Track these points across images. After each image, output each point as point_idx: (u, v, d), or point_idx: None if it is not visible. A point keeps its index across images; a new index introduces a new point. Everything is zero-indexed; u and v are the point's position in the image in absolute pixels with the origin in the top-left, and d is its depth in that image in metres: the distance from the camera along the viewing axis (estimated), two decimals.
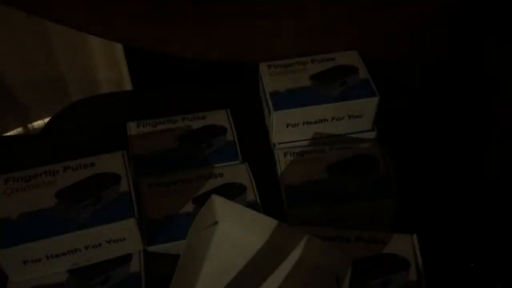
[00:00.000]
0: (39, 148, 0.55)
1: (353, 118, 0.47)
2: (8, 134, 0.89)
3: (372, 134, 0.48)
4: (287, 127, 0.46)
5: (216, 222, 0.35)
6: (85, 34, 0.82)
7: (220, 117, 0.48)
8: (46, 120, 0.90)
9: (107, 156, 0.40)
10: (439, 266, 0.41)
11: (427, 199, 0.49)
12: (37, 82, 0.85)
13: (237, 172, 0.43)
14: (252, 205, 0.41)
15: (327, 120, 0.46)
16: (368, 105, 0.46)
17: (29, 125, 0.90)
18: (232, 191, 0.42)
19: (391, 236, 0.39)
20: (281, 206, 0.43)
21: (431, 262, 0.38)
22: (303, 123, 0.46)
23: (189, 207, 0.41)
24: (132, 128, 0.47)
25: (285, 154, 0.45)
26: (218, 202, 0.34)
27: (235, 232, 0.33)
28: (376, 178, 0.43)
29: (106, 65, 0.83)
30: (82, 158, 0.40)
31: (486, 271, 0.44)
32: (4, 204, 0.37)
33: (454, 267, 0.44)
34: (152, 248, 0.39)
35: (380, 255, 0.38)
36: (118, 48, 0.81)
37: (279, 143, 0.47)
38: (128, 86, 0.81)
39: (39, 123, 0.90)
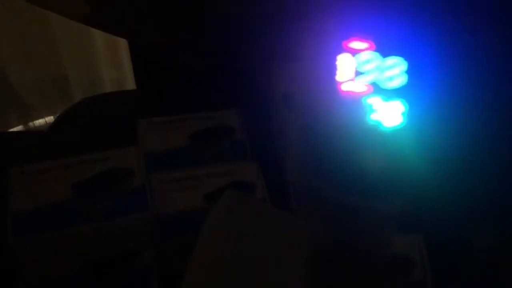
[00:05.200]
0: (47, 146, 0.55)
1: None
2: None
3: None
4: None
5: (229, 217, 0.35)
6: (89, 33, 0.82)
7: (230, 117, 0.48)
8: (48, 119, 0.91)
9: (121, 151, 0.40)
10: (443, 266, 0.42)
11: (427, 199, 0.49)
12: (40, 81, 0.86)
13: (247, 170, 0.44)
14: None
15: None
16: None
17: (30, 123, 0.90)
18: (241, 189, 0.42)
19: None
20: (289, 205, 0.43)
21: (435, 262, 0.38)
22: None
23: (200, 203, 0.41)
24: (143, 126, 0.47)
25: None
26: (232, 197, 0.34)
27: (249, 227, 0.34)
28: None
29: (109, 65, 0.83)
30: (96, 153, 0.40)
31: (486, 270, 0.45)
32: (20, 195, 0.37)
33: (456, 267, 0.45)
34: (164, 244, 0.39)
35: (380, 255, 0.38)
36: (122, 47, 0.81)
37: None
38: (131, 85, 0.81)
39: (40, 122, 0.90)
